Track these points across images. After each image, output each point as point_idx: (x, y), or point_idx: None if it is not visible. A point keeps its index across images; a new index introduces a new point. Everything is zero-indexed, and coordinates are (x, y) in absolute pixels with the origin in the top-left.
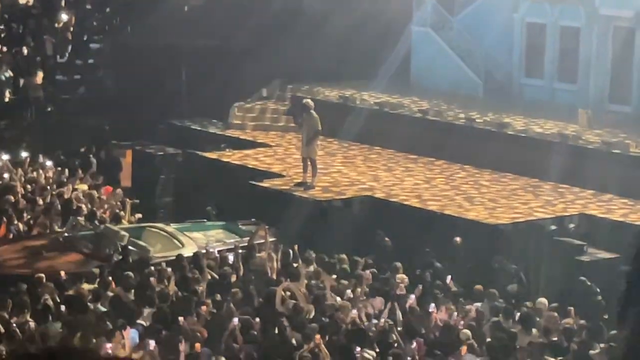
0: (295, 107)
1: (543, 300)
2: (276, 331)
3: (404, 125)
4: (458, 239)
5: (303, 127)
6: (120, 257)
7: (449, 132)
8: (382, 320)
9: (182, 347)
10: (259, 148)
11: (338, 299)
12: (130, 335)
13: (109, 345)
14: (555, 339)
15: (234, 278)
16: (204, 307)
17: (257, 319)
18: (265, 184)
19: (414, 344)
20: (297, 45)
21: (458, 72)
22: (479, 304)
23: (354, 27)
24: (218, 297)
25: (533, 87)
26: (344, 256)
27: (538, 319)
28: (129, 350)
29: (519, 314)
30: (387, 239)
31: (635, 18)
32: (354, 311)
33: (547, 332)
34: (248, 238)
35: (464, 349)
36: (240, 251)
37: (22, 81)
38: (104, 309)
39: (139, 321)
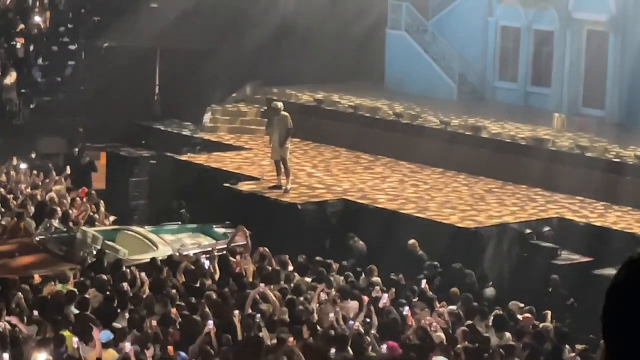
0: (267, 109)
1: (516, 303)
2: (251, 334)
3: (379, 129)
4: (412, 241)
5: (273, 129)
6: (95, 259)
7: (423, 135)
8: (358, 323)
9: (150, 352)
10: (233, 151)
11: (313, 302)
12: (101, 336)
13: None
14: (528, 342)
15: (209, 281)
16: (173, 310)
17: (234, 322)
18: (240, 187)
19: (386, 347)
20: (271, 48)
21: (432, 75)
22: (453, 307)
23: (329, 30)
24: (193, 300)
25: (507, 90)
26: (318, 259)
27: (512, 323)
28: (100, 352)
29: (492, 317)
30: (361, 242)
31: (609, 22)
32: (331, 315)
33: (520, 335)
34: (223, 241)
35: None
36: (216, 254)
37: None
38: (77, 312)
39: (114, 324)
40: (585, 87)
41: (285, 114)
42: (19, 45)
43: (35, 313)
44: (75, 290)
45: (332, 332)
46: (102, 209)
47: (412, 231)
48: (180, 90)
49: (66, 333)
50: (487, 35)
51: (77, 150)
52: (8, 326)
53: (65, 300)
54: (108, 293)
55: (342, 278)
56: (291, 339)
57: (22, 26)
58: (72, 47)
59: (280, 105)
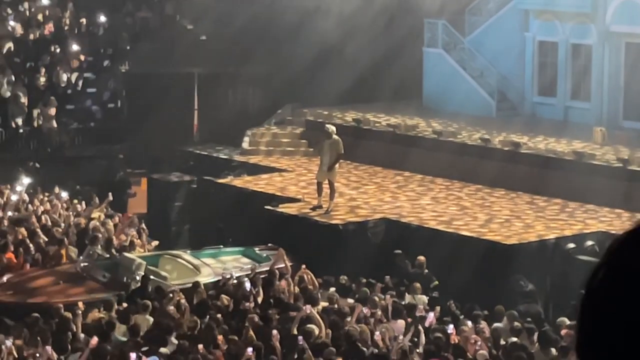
0: (310, 131)
1: (563, 319)
2: (295, 356)
3: (418, 147)
4: (422, 257)
5: (324, 151)
6: (138, 285)
7: (462, 152)
8: (405, 342)
9: None
10: (272, 172)
11: (353, 322)
12: None
13: None
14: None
15: (251, 304)
16: (220, 337)
17: (277, 345)
18: (281, 209)
19: None
20: (309, 69)
21: (470, 92)
22: (499, 324)
23: (366, 49)
24: (236, 323)
25: (546, 105)
26: (362, 279)
27: (557, 338)
28: None
29: (537, 333)
30: (406, 260)
31: None
32: (377, 334)
33: (565, 351)
34: (266, 263)
35: None
36: (259, 276)
37: (35, 112)
38: (123, 339)
39: (161, 350)
40: (625, 100)
41: (337, 137)
42: (58, 74)
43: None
44: (119, 317)
45: (377, 353)
46: (145, 234)
47: (453, 248)
48: (219, 113)
49: None
50: (524, 50)
51: (117, 176)
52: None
53: (106, 327)
54: (153, 318)
55: (387, 297)
56: None
57: (59, 53)
58: (111, 74)
59: (332, 128)
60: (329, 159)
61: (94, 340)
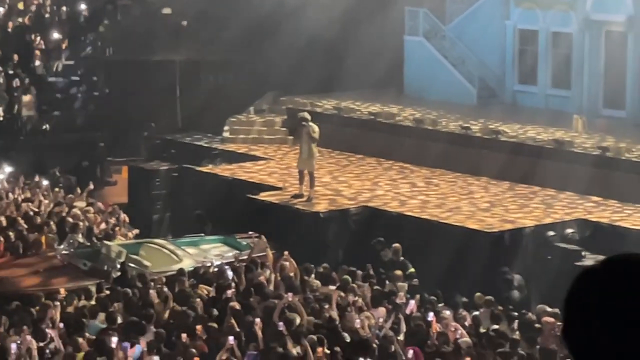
0: (291, 119)
1: (543, 306)
2: (276, 344)
3: (399, 135)
4: (397, 245)
5: (302, 139)
6: (119, 273)
7: (443, 140)
8: (385, 330)
9: None
10: (254, 161)
11: (332, 309)
12: (135, 352)
13: None
14: (554, 346)
15: (232, 292)
16: (198, 327)
17: (259, 332)
18: (262, 197)
19: (411, 353)
20: (290, 57)
21: (452, 80)
22: (476, 312)
23: (346, 38)
24: (216, 312)
25: (526, 93)
26: (343, 267)
27: (538, 326)
28: None
29: (517, 321)
30: (387, 248)
31: (626, 22)
32: (357, 322)
33: (545, 340)
34: (246, 251)
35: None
36: (240, 264)
37: (15, 100)
38: (102, 326)
39: (140, 338)
40: (605, 88)
41: (312, 124)
42: (37, 62)
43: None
44: (98, 305)
45: (358, 340)
46: (125, 222)
47: (434, 236)
48: (200, 101)
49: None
50: (505, 38)
51: (98, 164)
52: (34, 342)
53: (89, 315)
54: (133, 307)
55: (367, 285)
56: (320, 349)
57: (40, 41)
58: (91, 62)
59: (307, 115)
60: (307, 147)
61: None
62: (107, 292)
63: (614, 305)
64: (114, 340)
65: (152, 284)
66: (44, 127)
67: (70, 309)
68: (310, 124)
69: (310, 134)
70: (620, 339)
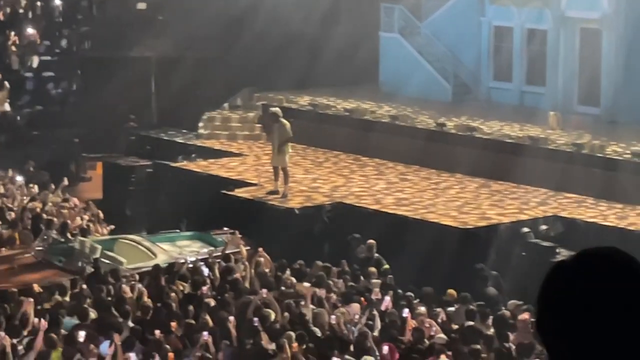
0: (265, 116)
1: (515, 302)
2: (251, 341)
3: (374, 131)
4: (371, 241)
5: (273, 135)
6: (92, 269)
7: (418, 137)
8: (360, 325)
9: None
10: (229, 157)
11: (313, 306)
12: (102, 348)
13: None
14: (528, 341)
15: (207, 288)
16: (173, 324)
17: (233, 330)
18: (237, 193)
19: (386, 349)
20: (265, 53)
21: (427, 77)
22: (451, 308)
23: (322, 35)
24: (191, 308)
25: (502, 90)
26: (318, 263)
27: (512, 322)
28: None
29: (492, 317)
30: (362, 244)
31: (601, 19)
32: (332, 318)
33: (520, 335)
34: (222, 248)
35: (443, 355)
36: (215, 261)
37: None
38: (75, 321)
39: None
40: (580, 85)
41: (284, 121)
42: (12, 57)
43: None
44: (74, 301)
45: (333, 336)
46: (100, 218)
47: (409, 232)
48: (176, 97)
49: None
50: (480, 35)
51: (73, 160)
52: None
53: (65, 312)
54: (107, 303)
55: (340, 281)
56: (295, 344)
57: (15, 38)
58: (67, 58)
59: (278, 111)
60: (279, 143)
61: (44, 323)
62: (81, 288)
63: (585, 299)
64: (82, 334)
65: (125, 280)
66: (18, 122)
67: (47, 305)
68: (281, 119)
69: (281, 130)
70: (592, 332)
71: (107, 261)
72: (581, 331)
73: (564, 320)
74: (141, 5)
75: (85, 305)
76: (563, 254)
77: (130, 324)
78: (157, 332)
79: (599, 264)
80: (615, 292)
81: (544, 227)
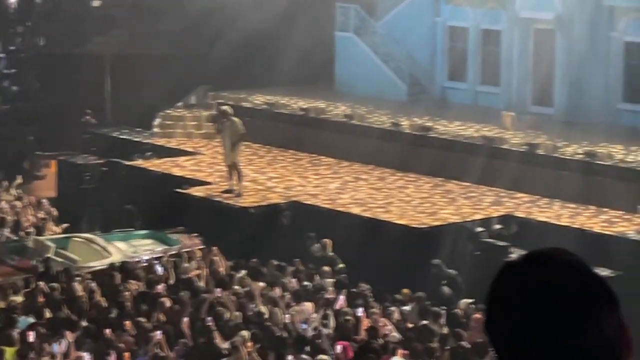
0: (218, 114)
1: (466, 301)
2: (204, 339)
3: (329, 130)
4: (326, 240)
5: (224, 133)
6: (44, 268)
7: (372, 136)
8: (314, 324)
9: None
10: (183, 156)
11: (267, 305)
12: (54, 346)
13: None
14: (482, 340)
15: (162, 287)
16: (127, 323)
17: (187, 330)
18: (192, 191)
19: (340, 348)
20: (220, 52)
21: (382, 76)
22: (406, 307)
23: (278, 34)
24: (145, 306)
25: (456, 90)
26: (272, 262)
27: (465, 320)
28: None
29: (446, 316)
30: (317, 243)
31: (555, 20)
32: (286, 317)
33: (474, 334)
34: (176, 246)
35: (399, 352)
36: (169, 259)
37: None
38: (30, 320)
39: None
40: (534, 85)
41: (235, 118)
42: None
43: None
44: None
45: (288, 335)
46: (54, 216)
47: (364, 232)
48: (130, 96)
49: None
50: (435, 35)
51: (27, 158)
52: None
53: (19, 311)
54: (60, 301)
55: (294, 280)
56: (250, 344)
57: None
58: (21, 55)
59: (228, 109)
60: (230, 141)
61: None
62: (35, 287)
63: (534, 299)
64: (31, 334)
65: (78, 278)
66: None
67: (1, 305)
68: (232, 117)
69: (232, 127)
70: (540, 333)
71: (60, 260)
72: (527, 331)
73: (511, 321)
74: (96, 3)
75: (39, 304)
76: (517, 253)
77: (84, 323)
78: (108, 331)
79: (546, 265)
80: (559, 293)
81: (497, 226)
